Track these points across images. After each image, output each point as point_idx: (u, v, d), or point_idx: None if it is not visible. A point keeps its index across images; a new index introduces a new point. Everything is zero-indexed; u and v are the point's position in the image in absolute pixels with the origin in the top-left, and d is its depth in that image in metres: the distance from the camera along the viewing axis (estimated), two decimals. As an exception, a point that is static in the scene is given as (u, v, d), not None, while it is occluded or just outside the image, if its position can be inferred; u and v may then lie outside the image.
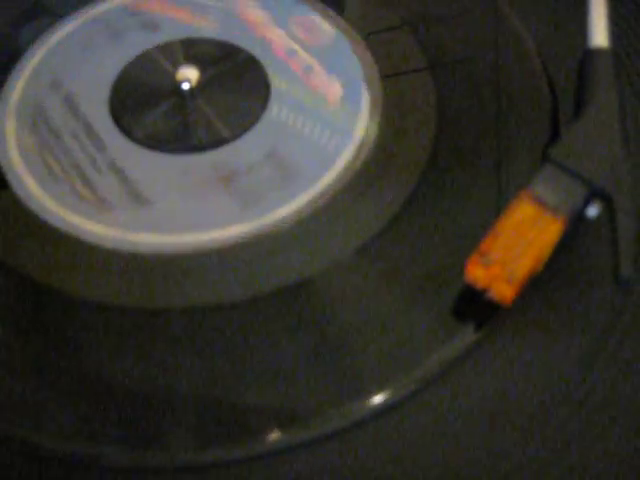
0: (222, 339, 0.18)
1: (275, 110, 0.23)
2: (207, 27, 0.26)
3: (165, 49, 0.25)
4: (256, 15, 0.26)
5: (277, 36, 0.25)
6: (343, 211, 0.21)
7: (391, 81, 0.24)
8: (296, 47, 0.25)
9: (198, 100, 0.23)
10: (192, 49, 0.25)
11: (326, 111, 0.23)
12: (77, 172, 0.22)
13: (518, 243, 0.17)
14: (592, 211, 0.18)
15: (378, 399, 0.17)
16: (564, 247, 0.19)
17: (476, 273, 0.18)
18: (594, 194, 0.18)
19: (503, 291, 0.18)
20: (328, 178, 0.21)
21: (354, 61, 0.25)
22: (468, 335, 0.18)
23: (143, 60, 0.25)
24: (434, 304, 0.19)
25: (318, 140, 0.22)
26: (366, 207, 0.21)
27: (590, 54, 0.21)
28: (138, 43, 0.25)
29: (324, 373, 0.18)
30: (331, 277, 0.19)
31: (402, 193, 0.21)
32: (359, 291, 0.19)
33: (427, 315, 0.19)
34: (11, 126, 0.23)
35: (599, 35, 0.22)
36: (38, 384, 0.18)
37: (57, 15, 0.27)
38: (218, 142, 0.22)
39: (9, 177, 0.22)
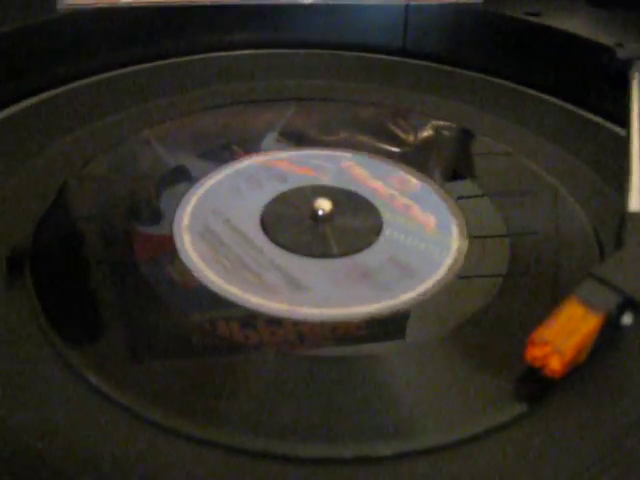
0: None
1: (388, 232, 0.31)
2: (325, 179, 0.34)
3: (299, 191, 0.33)
4: (360, 172, 0.35)
5: (379, 186, 0.33)
6: (444, 301, 0.27)
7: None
8: (395, 193, 0.33)
9: (329, 224, 0.31)
10: (320, 192, 0.33)
11: (426, 233, 0.31)
12: (245, 268, 0.28)
13: (566, 331, 0.22)
14: (626, 319, 0.23)
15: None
16: (602, 349, 0.23)
17: (533, 352, 0.23)
18: (627, 302, 0.23)
19: (554, 365, 0.22)
20: (436, 277, 0.28)
21: (440, 203, 0.33)
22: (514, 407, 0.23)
23: (285, 196, 0.33)
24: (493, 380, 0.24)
25: (424, 251, 0.30)
26: (460, 299, 0.28)
27: (628, 216, 0.27)
28: (273, 188, 0.33)
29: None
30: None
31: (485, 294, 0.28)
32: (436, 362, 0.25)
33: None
34: (187, 238, 0.30)
35: (635, 200, 0.28)
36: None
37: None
38: (355, 251, 0.30)
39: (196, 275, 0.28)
